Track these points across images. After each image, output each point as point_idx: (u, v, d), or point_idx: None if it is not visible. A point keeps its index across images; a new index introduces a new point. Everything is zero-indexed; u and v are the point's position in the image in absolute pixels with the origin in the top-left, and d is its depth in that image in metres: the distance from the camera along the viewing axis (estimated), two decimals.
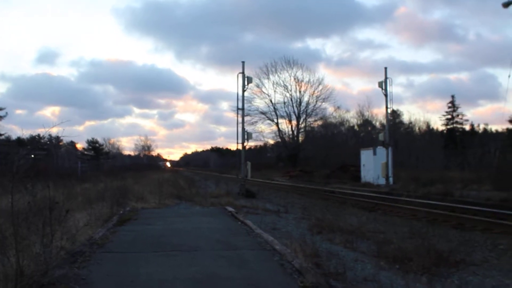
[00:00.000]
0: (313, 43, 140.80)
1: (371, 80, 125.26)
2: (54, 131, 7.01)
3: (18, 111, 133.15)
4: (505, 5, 21.46)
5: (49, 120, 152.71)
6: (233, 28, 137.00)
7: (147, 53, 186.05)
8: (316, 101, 61.46)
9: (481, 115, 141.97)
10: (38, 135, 57.18)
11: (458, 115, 65.36)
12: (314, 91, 61.24)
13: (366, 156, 33.94)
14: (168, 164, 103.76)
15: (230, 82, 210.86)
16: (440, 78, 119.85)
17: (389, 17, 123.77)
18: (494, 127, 70.88)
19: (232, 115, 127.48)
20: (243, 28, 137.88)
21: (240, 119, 23.95)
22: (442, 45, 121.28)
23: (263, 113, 61.98)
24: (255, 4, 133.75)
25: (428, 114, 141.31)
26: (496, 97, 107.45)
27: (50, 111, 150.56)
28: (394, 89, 30.14)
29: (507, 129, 53.10)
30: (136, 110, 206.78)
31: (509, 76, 21.58)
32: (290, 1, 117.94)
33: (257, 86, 59.45)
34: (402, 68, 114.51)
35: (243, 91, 23.78)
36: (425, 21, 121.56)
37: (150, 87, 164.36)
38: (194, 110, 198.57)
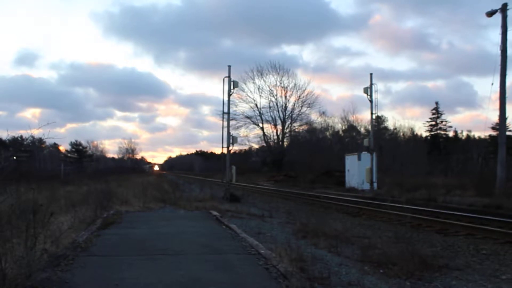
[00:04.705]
0: (290, 50, 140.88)
1: (349, 86, 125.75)
2: (36, 133, 6.96)
3: None
4: (489, 14, 21.86)
5: (29, 122, 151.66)
6: (211, 34, 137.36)
7: (127, 57, 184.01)
8: (302, 107, 61.59)
9: (459, 122, 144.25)
10: (21, 137, 56.32)
11: (441, 122, 66.25)
12: (299, 97, 61.38)
13: (350, 161, 34.08)
14: (156, 168, 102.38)
15: (210, 87, 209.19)
16: (417, 85, 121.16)
17: (365, 25, 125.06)
18: (476, 134, 71.78)
19: (214, 119, 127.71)
20: (220, 34, 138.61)
21: (225, 123, 23.92)
22: (417, 53, 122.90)
23: (248, 117, 61.80)
24: (232, 11, 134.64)
25: (410, 121, 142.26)
26: (472, 104, 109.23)
27: (30, 113, 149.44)
28: (374, 95, 30.29)
29: (490, 135, 53.92)
30: (118, 113, 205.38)
31: (492, 84, 21.97)
32: (266, 9, 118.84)
33: (242, 90, 59.31)
34: (379, 75, 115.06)
35: (229, 95, 23.56)
36: (400, 29, 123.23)
37: (131, 90, 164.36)
38: (175, 113, 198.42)
